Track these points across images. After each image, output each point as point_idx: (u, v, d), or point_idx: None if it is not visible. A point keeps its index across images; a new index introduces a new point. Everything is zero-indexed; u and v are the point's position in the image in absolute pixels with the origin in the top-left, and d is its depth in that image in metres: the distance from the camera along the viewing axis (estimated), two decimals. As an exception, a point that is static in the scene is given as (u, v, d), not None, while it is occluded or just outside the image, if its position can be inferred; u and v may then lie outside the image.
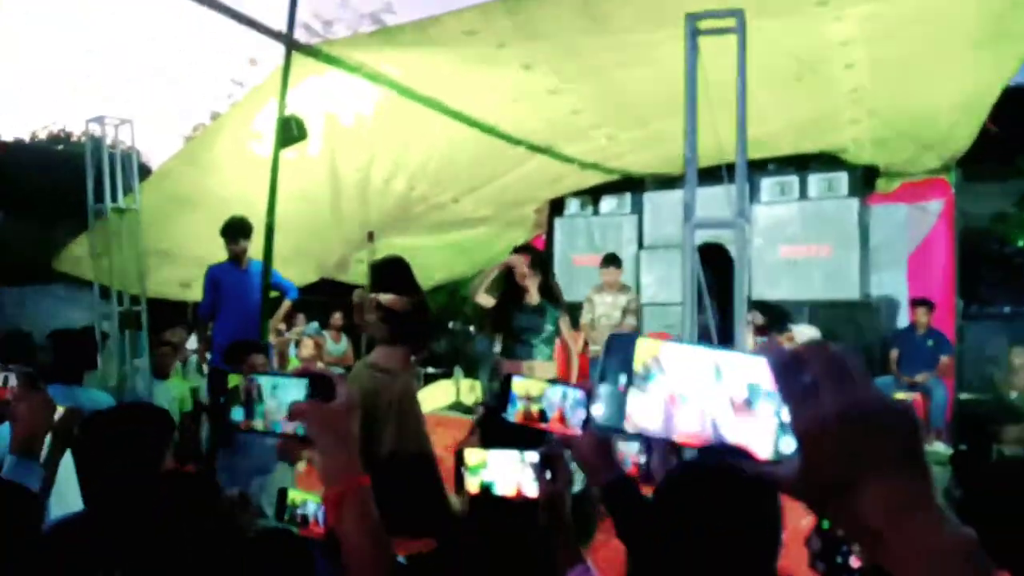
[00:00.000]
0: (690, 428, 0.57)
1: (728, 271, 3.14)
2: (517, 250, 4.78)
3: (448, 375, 8.71)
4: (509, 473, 1.30)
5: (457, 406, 8.29)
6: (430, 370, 9.62)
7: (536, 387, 1.21)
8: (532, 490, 1.28)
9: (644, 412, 0.58)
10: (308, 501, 1.82)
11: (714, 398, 0.57)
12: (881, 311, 7.31)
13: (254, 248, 5.34)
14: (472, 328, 9.88)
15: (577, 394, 1.20)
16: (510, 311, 4.66)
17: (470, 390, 8.75)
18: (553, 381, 1.23)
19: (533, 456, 1.27)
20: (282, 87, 4.69)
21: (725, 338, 3.47)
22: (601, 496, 1.26)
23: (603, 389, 0.60)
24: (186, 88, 41.85)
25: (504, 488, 1.30)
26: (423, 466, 3.92)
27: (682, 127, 5.87)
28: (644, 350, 0.59)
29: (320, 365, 8.04)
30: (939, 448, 6.08)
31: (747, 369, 0.57)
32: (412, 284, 4.26)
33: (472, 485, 1.32)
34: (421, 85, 5.22)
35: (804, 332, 6.82)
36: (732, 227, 2.90)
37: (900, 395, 6.67)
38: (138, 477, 1.56)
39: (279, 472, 2.96)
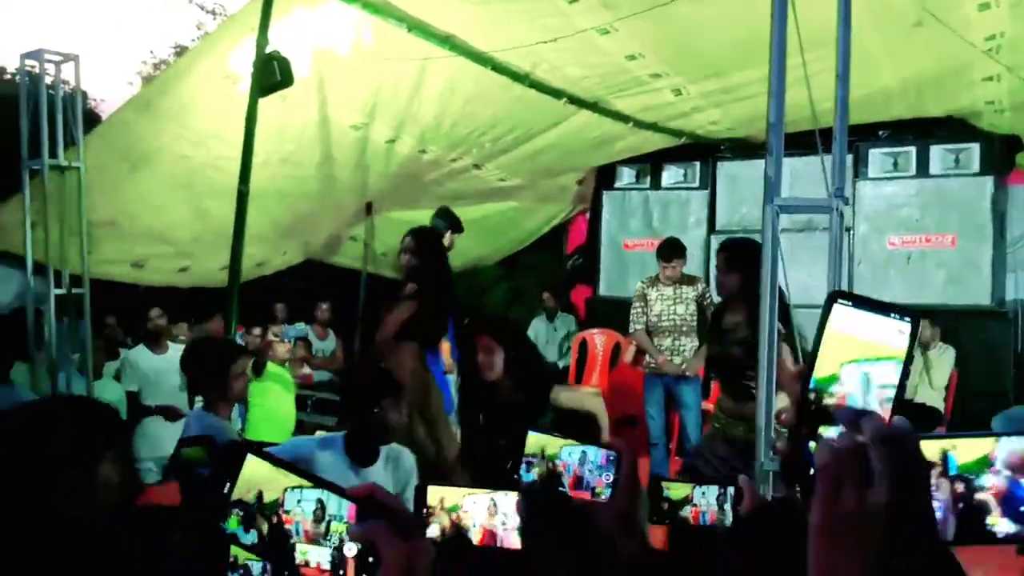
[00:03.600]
0: None
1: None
2: (468, 328, 4.40)
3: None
4: (482, 516, 1.33)
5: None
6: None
7: (553, 444, 1.25)
8: (512, 541, 1.30)
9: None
10: None
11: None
12: (1019, 322, 7.21)
13: (224, 223, 5.39)
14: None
15: (599, 454, 1.22)
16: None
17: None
18: (576, 438, 1.25)
19: (509, 499, 1.29)
20: (262, 18, 4.73)
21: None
22: None
23: None
24: (145, 16, 42.22)
25: (476, 534, 1.33)
26: None
27: (762, 79, 5.84)
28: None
29: (307, 370, 8.12)
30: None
31: None
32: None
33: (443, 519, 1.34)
34: (437, 19, 5.23)
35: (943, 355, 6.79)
36: (826, 210, 2.88)
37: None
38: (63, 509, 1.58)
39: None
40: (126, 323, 7.96)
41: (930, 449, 0.78)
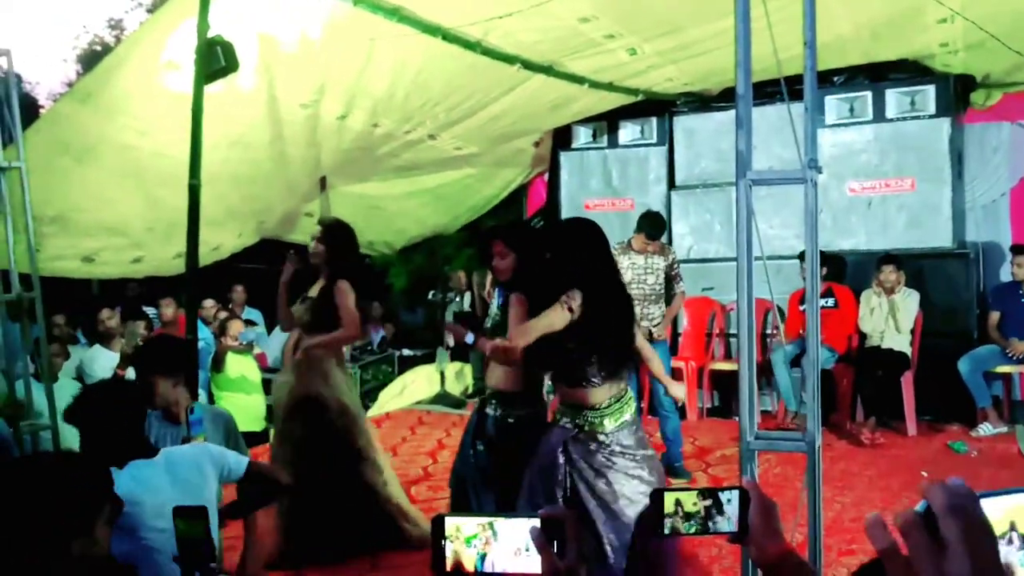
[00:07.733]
0: None
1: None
2: (485, 234, 4.48)
3: (430, 358, 8.70)
4: (513, 543, 1.26)
5: (443, 398, 8.30)
6: (406, 352, 9.62)
7: (689, 499, 1.29)
8: (533, 565, 1.23)
9: None
10: None
11: None
12: (979, 262, 7.27)
13: (177, 211, 5.25)
14: (459, 298, 9.84)
15: (733, 495, 1.28)
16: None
17: (458, 377, 8.76)
18: (707, 490, 1.30)
19: (530, 522, 1.23)
20: (202, 2, 4.57)
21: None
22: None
23: None
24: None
25: (504, 563, 1.25)
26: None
27: (718, 34, 5.74)
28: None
29: (259, 350, 8.04)
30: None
31: None
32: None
33: (465, 560, 1.26)
34: (384, -8, 5.09)
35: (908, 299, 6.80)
36: (800, 181, 2.82)
37: (1004, 368, 6.68)
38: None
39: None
40: (76, 320, 7.82)
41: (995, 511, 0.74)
